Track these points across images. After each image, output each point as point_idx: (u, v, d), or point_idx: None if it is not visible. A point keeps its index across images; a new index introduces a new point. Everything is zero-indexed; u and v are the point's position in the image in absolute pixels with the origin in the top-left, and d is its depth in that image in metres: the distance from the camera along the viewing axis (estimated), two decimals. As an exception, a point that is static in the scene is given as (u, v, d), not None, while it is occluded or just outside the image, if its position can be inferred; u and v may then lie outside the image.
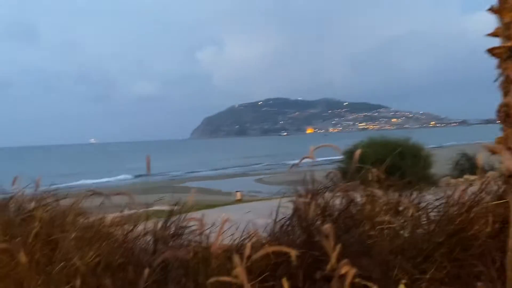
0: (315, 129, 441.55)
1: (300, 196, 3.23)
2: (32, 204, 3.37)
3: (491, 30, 2.27)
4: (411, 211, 3.11)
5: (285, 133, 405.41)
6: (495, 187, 3.32)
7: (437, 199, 3.42)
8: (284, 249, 2.39)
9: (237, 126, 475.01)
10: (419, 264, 2.85)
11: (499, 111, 2.20)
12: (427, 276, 2.66)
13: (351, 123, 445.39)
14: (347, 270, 2.33)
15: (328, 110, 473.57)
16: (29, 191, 3.68)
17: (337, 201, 3.22)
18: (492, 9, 2.22)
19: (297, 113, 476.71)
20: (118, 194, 3.20)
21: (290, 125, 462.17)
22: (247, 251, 2.43)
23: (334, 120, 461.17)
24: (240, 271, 2.30)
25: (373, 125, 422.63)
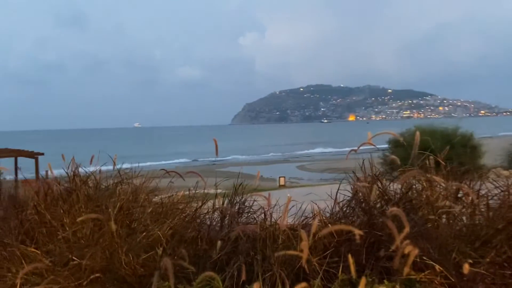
0: (357, 116, 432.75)
1: (359, 180, 3.37)
2: (111, 181, 3.72)
3: None
4: (470, 197, 3.17)
5: (326, 120, 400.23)
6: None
7: (496, 187, 3.45)
8: (349, 228, 2.55)
9: (277, 113, 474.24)
10: (478, 248, 2.93)
11: None
12: (487, 259, 2.74)
13: (395, 111, 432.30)
14: (410, 250, 2.48)
15: (371, 97, 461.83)
16: (104, 170, 4.04)
17: (396, 186, 3.33)
18: None
19: (339, 100, 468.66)
20: (190, 172, 3.48)
21: (331, 112, 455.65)
22: (313, 228, 2.62)
23: (377, 108, 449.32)
24: (305, 245, 2.50)
25: (418, 114, 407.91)
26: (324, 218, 3.03)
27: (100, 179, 3.96)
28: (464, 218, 3.17)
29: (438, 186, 3.27)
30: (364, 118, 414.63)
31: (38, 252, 2.93)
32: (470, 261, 2.61)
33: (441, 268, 2.57)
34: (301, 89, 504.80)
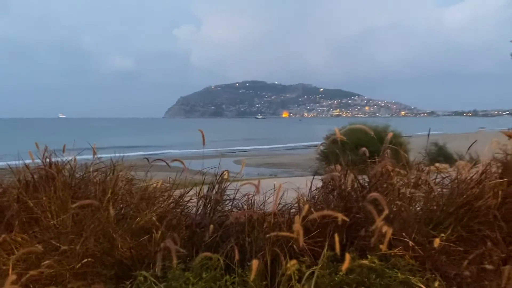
0: (290, 113, 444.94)
1: (332, 170, 3.72)
2: (90, 169, 3.71)
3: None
4: (427, 186, 3.66)
5: (260, 116, 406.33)
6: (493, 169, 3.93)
7: (444, 177, 4.01)
8: (335, 213, 2.88)
9: (212, 107, 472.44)
10: (433, 229, 3.41)
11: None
12: (444, 237, 3.21)
13: (325, 109, 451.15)
14: (386, 229, 2.85)
15: (304, 95, 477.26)
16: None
17: (365, 176, 3.73)
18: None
19: (273, 96, 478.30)
20: (175, 160, 3.59)
21: (266, 108, 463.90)
22: (304, 212, 2.90)
23: (309, 106, 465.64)
24: (298, 227, 2.78)
25: (347, 112, 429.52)
26: (307, 205, 3.32)
27: (75, 167, 3.93)
28: (421, 203, 3.64)
29: (400, 175, 3.72)
30: (297, 115, 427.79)
31: (28, 238, 2.89)
32: (442, 235, 3.06)
33: (412, 244, 2.98)
34: (237, 84, 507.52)
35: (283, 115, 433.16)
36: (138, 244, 3.01)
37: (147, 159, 3.79)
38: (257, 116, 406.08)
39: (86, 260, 2.87)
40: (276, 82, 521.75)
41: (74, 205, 2.84)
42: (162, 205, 3.46)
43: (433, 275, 2.76)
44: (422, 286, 2.59)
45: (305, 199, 3.42)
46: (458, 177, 3.80)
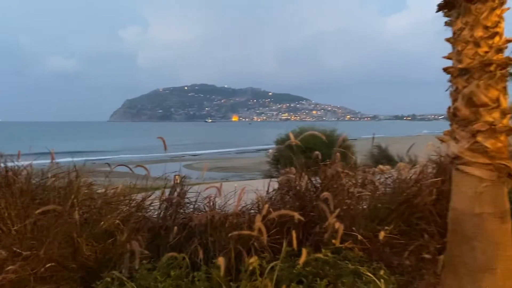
0: (240, 117, 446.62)
1: (288, 172, 3.98)
2: (49, 175, 3.69)
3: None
4: (373, 186, 4.03)
5: (210, 120, 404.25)
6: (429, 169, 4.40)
7: (387, 178, 4.41)
8: (292, 212, 3.13)
9: (160, 111, 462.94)
10: (378, 224, 3.77)
11: (448, 111, 3.13)
12: (387, 231, 3.56)
13: (274, 113, 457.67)
14: (338, 225, 3.15)
15: (253, 99, 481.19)
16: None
17: (317, 178, 4.03)
18: (448, 40, 3.12)
19: (223, 100, 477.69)
20: (139, 166, 3.68)
21: (215, 112, 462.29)
22: (264, 211, 3.13)
23: (259, 110, 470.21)
24: (260, 225, 3.00)
25: (295, 116, 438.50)
26: (267, 204, 3.54)
27: (32, 173, 3.88)
28: (368, 201, 4.00)
29: (349, 176, 4.06)
30: (247, 119, 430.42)
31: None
32: (387, 228, 3.40)
33: (361, 238, 3.30)
34: (186, 87, 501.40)
35: (233, 119, 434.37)
36: (102, 247, 3.08)
37: (108, 164, 3.83)
38: (207, 120, 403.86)
39: (50, 264, 2.90)
40: (226, 86, 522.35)
41: (37, 211, 2.86)
42: (125, 209, 3.53)
43: (379, 265, 3.07)
44: (369, 274, 2.89)
45: (263, 200, 3.64)
46: (399, 177, 4.22)
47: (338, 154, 4.51)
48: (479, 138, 2.91)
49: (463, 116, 2.98)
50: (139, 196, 3.82)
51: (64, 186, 3.40)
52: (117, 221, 3.31)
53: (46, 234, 2.94)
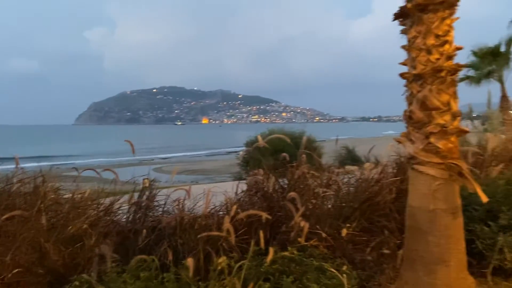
0: (210, 119, 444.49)
1: (256, 174, 4.09)
2: (14, 180, 3.64)
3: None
4: (337, 185, 4.20)
5: (180, 123, 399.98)
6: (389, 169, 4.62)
7: (351, 178, 4.60)
8: (260, 212, 3.24)
9: (128, 113, 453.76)
10: (343, 222, 3.94)
11: (404, 114, 3.33)
12: (350, 228, 3.73)
13: (245, 115, 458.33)
14: (304, 224, 3.29)
15: (223, 101, 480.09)
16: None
17: (284, 179, 4.16)
18: (403, 47, 3.32)
19: (193, 102, 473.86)
20: (107, 170, 3.68)
21: (185, 115, 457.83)
22: (232, 212, 3.22)
23: (229, 112, 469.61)
24: (229, 226, 3.09)
25: (265, 118, 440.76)
26: (236, 206, 3.63)
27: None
28: (332, 200, 4.17)
29: (314, 177, 4.21)
30: (217, 121, 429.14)
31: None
32: (349, 224, 3.56)
33: (325, 235, 3.45)
34: (154, 90, 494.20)
35: (203, 121, 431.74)
36: (70, 252, 3.08)
37: (76, 168, 3.81)
38: (176, 123, 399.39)
39: (17, 270, 2.88)
40: (195, 88, 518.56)
41: (3, 217, 2.84)
42: (93, 213, 3.53)
43: (342, 261, 3.23)
44: (333, 270, 3.03)
45: (232, 201, 3.73)
46: (361, 177, 4.42)
47: (304, 156, 4.67)
48: (432, 139, 3.12)
49: (418, 118, 3.18)
50: (107, 201, 3.82)
51: (30, 192, 3.37)
52: (85, 226, 3.32)
53: (13, 240, 2.92)
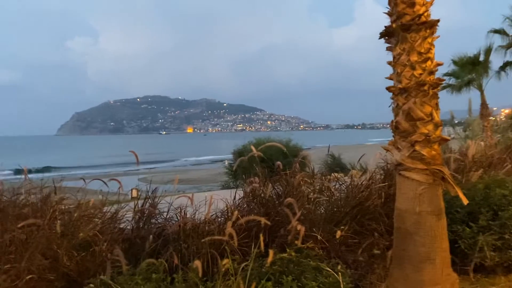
0: (194, 128, 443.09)
1: (252, 182, 4.33)
2: (22, 191, 3.79)
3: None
4: (329, 191, 4.46)
5: (164, 132, 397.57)
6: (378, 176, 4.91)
7: (341, 184, 4.87)
8: (259, 218, 3.47)
9: (112, 123, 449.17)
10: (336, 225, 4.20)
11: (391, 124, 3.62)
12: (343, 231, 3.99)
13: (229, 124, 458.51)
14: (300, 228, 3.53)
15: (208, 110, 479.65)
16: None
17: (278, 186, 4.40)
18: (389, 63, 3.63)
19: (177, 111, 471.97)
20: (112, 179, 3.87)
21: (170, 124, 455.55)
22: (234, 217, 3.44)
23: (214, 121, 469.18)
24: (231, 231, 3.31)
25: (250, 127, 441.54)
26: (236, 211, 3.85)
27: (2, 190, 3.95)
28: (325, 206, 4.43)
29: (307, 183, 4.47)
30: (202, 130, 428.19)
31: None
32: (342, 227, 3.81)
33: (320, 238, 3.69)
34: (138, 99, 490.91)
35: (188, 131, 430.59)
36: (82, 257, 3.25)
37: (83, 179, 3.98)
38: (161, 132, 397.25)
39: (30, 276, 3.04)
40: (180, 97, 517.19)
41: (19, 225, 3.00)
42: (100, 221, 3.71)
43: (336, 261, 3.47)
44: (329, 270, 3.27)
45: (232, 207, 3.95)
46: (352, 183, 4.69)
47: (297, 164, 4.93)
48: (417, 147, 3.41)
49: (403, 128, 3.47)
50: (107, 209, 4.00)
51: (36, 202, 3.53)
52: (94, 232, 3.49)
53: (26, 247, 3.07)
